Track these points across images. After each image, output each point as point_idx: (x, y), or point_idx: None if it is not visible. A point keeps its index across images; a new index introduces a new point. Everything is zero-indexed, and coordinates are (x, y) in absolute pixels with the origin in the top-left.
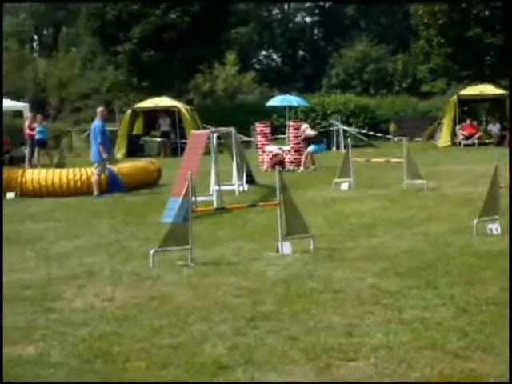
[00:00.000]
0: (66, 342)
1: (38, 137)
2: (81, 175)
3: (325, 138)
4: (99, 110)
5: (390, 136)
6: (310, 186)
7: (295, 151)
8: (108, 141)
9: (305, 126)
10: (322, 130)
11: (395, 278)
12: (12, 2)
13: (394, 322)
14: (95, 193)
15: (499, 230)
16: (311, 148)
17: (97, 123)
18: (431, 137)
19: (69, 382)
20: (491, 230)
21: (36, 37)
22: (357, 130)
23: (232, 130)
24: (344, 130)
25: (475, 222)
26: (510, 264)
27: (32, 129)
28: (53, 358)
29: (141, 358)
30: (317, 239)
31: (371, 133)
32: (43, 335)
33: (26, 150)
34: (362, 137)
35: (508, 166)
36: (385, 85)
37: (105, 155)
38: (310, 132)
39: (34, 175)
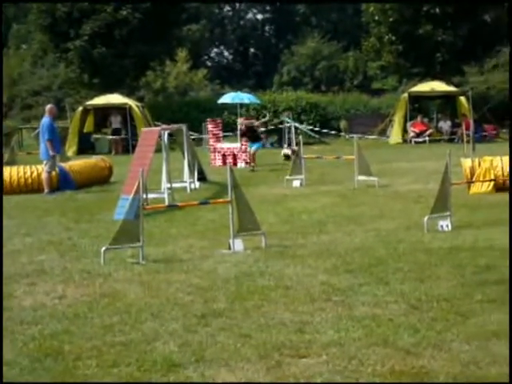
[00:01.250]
0: (17, 340)
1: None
2: (31, 172)
3: (276, 135)
4: (48, 107)
5: (341, 133)
6: (262, 183)
7: (247, 147)
8: (58, 138)
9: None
10: (273, 127)
11: (346, 275)
12: (12, 1)
13: (345, 318)
14: (46, 190)
15: (450, 227)
16: (254, 146)
17: (45, 120)
18: (382, 134)
19: (65, 383)
20: (442, 226)
21: None
22: (308, 127)
23: (183, 127)
24: (295, 128)
25: (426, 218)
26: (509, 264)
27: None
28: (4, 357)
29: (92, 356)
30: (268, 236)
31: (323, 130)
32: None
33: None
34: (314, 134)
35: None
36: (336, 82)
37: (52, 152)
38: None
39: None
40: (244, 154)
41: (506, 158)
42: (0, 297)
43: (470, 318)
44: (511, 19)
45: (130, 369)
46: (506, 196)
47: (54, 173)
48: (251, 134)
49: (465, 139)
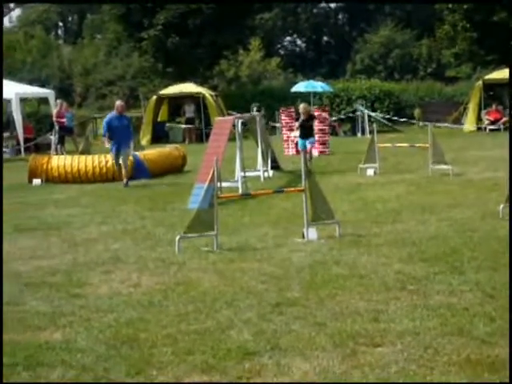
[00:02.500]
0: (93, 328)
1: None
2: (106, 162)
3: (349, 124)
4: (116, 103)
5: (414, 121)
6: (336, 171)
7: (320, 136)
8: (121, 132)
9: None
10: (346, 115)
11: (421, 264)
12: (12, 1)
13: (420, 307)
14: (124, 180)
15: None
16: (308, 142)
17: (108, 115)
18: (457, 122)
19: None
20: None
21: (61, 24)
22: (381, 115)
23: (257, 115)
24: (369, 116)
25: (501, 207)
26: (509, 264)
27: (61, 116)
28: (79, 344)
29: (167, 343)
30: (342, 225)
31: (396, 118)
32: (69, 321)
33: (52, 137)
34: (387, 122)
35: None
36: (410, 70)
37: (107, 145)
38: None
39: (59, 162)
40: (319, 141)
41: None
42: (0, 297)
43: None
44: (511, 20)
45: (205, 357)
46: None
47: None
48: (304, 129)
49: None
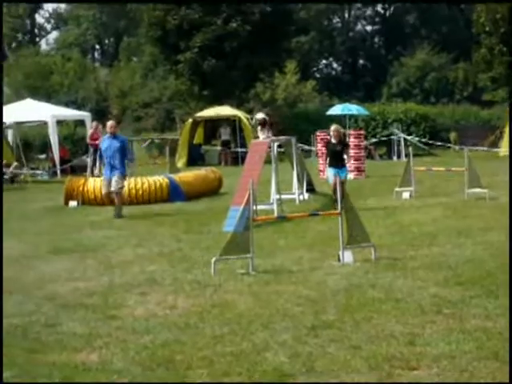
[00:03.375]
0: (129, 349)
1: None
2: (142, 184)
3: (384, 147)
4: (107, 123)
5: (450, 145)
6: (371, 194)
7: (355, 160)
8: (112, 155)
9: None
10: (382, 138)
11: (457, 288)
12: (12, 1)
13: (456, 331)
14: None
15: None
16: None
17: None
18: (493, 145)
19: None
20: None
21: (98, 46)
22: (417, 138)
23: (292, 138)
24: (405, 139)
25: None
26: (509, 268)
27: (96, 138)
28: (115, 366)
29: (203, 365)
30: (378, 248)
31: (432, 142)
32: (106, 343)
33: (88, 159)
34: (423, 146)
35: None
36: (446, 93)
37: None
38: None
39: (95, 184)
40: (354, 165)
41: None
42: (0, 299)
43: None
44: (511, 19)
45: (241, 378)
46: None
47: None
48: (334, 156)
49: None
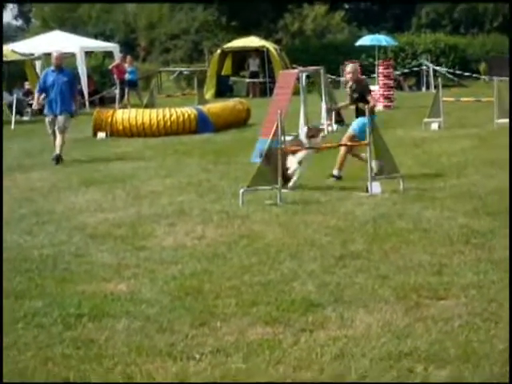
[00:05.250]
0: (157, 279)
1: (128, 77)
2: (170, 115)
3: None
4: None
5: (480, 76)
6: (400, 125)
7: (385, 90)
8: (57, 91)
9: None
10: (411, 70)
11: (486, 218)
12: (12, 1)
13: (484, 261)
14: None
15: None
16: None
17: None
18: None
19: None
20: None
21: None
22: (447, 69)
23: (321, 69)
24: (434, 70)
25: None
26: (509, 264)
27: (120, 69)
28: (144, 296)
29: (231, 295)
30: (406, 179)
31: (461, 72)
32: (134, 273)
33: (116, 91)
34: (452, 77)
35: None
36: (476, 24)
37: (35, 106)
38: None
39: (124, 115)
40: (383, 95)
41: None
42: (0, 296)
43: None
44: (511, 18)
45: (269, 308)
46: None
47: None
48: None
49: None
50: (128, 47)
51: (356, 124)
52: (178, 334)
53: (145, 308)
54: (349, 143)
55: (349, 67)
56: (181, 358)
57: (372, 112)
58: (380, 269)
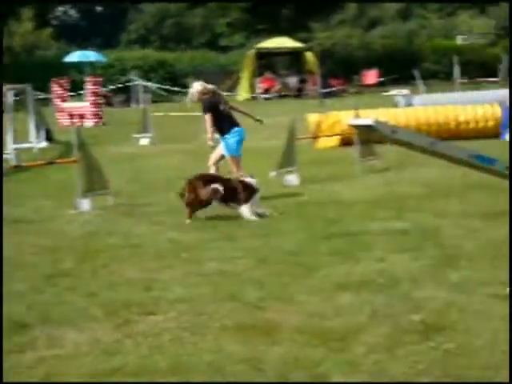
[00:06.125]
0: None
1: None
2: None
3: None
4: None
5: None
6: (110, 141)
7: (94, 106)
8: None
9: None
10: (120, 85)
11: (195, 232)
12: (13, 2)
13: (193, 274)
14: None
15: (297, 181)
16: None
17: None
18: (231, 90)
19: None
20: (289, 181)
21: None
22: (156, 85)
23: (28, 86)
24: (143, 86)
25: (273, 173)
26: (509, 261)
27: None
28: None
29: None
30: (117, 195)
31: (170, 87)
32: None
33: None
34: (162, 92)
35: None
36: (184, 39)
37: None
38: None
39: None
40: (92, 112)
41: (352, 113)
42: (0, 299)
43: (316, 271)
44: (511, 18)
45: None
46: (351, 150)
47: None
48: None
49: (312, 94)
50: None
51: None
52: None
53: None
54: None
55: (194, 86)
56: None
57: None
58: (90, 286)
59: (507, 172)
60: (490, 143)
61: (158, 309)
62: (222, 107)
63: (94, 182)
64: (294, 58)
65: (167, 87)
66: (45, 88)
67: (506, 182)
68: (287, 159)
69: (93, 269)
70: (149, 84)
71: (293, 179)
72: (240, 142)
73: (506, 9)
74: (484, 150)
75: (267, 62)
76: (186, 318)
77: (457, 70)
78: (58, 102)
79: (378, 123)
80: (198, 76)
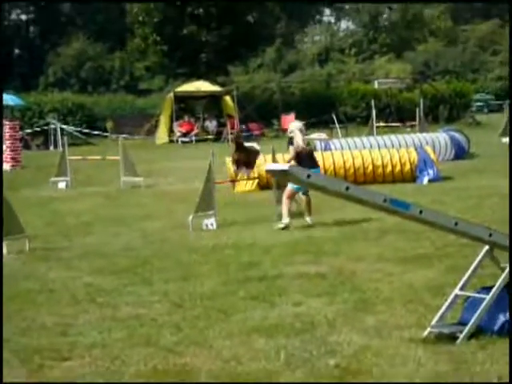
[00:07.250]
0: None
1: None
2: None
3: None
4: None
5: (107, 134)
6: (27, 185)
7: (11, 150)
8: None
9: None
10: (38, 128)
11: (111, 276)
12: (12, 1)
13: (108, 319)
14: None
15: (215, 225)
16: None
17: None
18: (149, 134)
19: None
20: (207, 225)
21: None
22: (74, 128)
23: None
24: (61, 129)
25: (191, 217)
26: (509, 268)
27: None
28: None
29: None
30: (33, 239)
31: (89, 131)
32: None
33: None
34: (80, 135)
35: None
36: (102, 83)
37: None
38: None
39: None
40: (10, 156)
41: (270, 157)
42: (0, 300)
43: (233, 315)
44: (511, 19)
45: None
46: (268, 194)
47: None
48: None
49: (230, 138)
50: None
51: None
52: None
53: None
54: None
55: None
56: None
57: None
58: (3, 332)
59: (422, 215)
60: (406, 187)
61: (73, 354)
62: None
63: (11, 226)
64: (212, 102)
65: (86, 130)
66: None
67: (421, 227)
68: (205, 203)
69: (7, 314)
70: (66, 127)
71: (211, 223)
72: None
73: (422, 54)
74: (400, 194)
75: (186, 105)
76: (101, 363)
77: (374, 115)
78: None
79: (292, 168)
80: (117, 119)
